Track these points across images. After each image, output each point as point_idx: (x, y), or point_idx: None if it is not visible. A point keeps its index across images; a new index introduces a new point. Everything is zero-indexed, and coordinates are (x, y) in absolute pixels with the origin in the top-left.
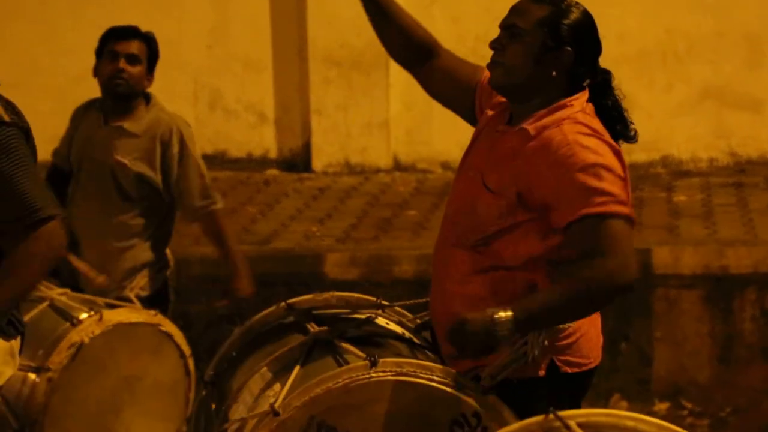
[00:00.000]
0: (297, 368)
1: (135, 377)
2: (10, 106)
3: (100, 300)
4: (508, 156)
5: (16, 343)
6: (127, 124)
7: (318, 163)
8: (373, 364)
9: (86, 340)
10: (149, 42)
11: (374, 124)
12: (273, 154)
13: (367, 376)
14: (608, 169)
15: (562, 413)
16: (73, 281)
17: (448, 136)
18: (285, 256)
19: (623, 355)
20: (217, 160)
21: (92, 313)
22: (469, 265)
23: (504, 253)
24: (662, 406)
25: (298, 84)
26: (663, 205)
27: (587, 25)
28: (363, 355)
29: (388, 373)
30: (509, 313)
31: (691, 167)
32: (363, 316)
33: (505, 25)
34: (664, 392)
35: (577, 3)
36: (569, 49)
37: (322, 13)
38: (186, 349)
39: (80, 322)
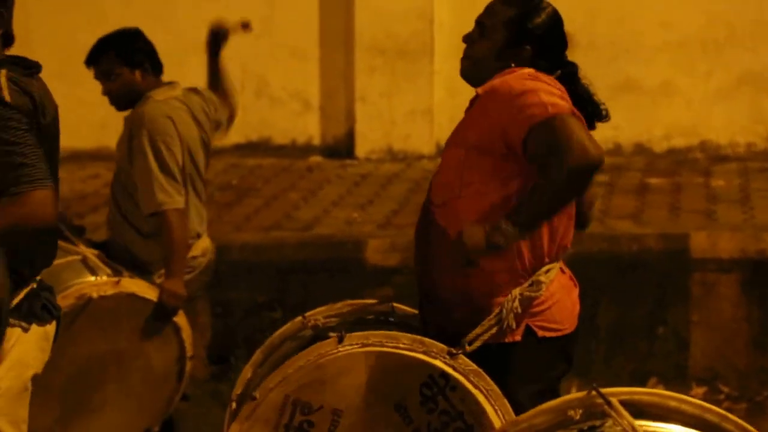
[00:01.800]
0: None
1: (129, 355)
2: (22, 91)
3: (130, 273)
4: (466, 118)
5: (51, 328)
6: (126, 116)
7: (361, 149)
8: (341, 339)
9: (95, 295)
10: (111, 48)
11: (418, 111)
12: (317, 141)
13: (335, 351)
14: (541, 89)
15: (605, 390)
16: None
17: None
18: (326, 242)
19: (660, 339)
20: (261, 147)
21: (114, 275)
22: (438, 225)
23: (467, 208)
24: (699, 391)
25: (343, 72)
26: (701, 190)
27: (551, 25)
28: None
29: (355, 346)
30: (508, 221)
31: (729, 152)
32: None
33: (477, 22)
34: (701, 376)
35: (548, 4)
36: (528, 47)
37: (368, 3)
38: (189, 348)
39: (99, 278)
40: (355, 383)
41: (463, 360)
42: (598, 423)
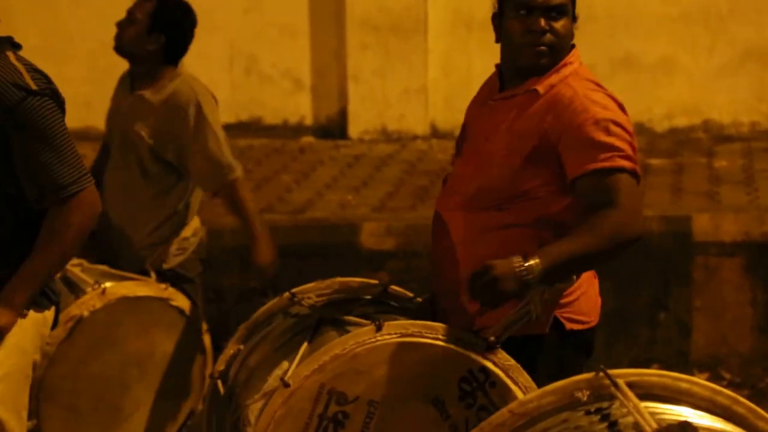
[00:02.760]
0: (305, 345)
1: (144, 353)
2: (38, 73)
3: (117, 272)
4: (518, 117)
5: (50, 314)
6: (148, 94)
7: (354, 130)
8: (379, 328)
9: (86, 313)
10: (157, 1)
11: (412, 90)
12: (309, 121)
13: (373, 340)
14: (617, 124)
15: (612, 371)
16: (110, 252)
17: None
18: (320, 225)
19: (662, 325)
20: (252, 127)
21: (96, 286)
22: (478, 227)
23: (517, 213)
24: (702, 377)
25: (335, 49)
26: (704, 171)
27: None
28: (367, 323)
29: (394, 336)
30: (537, 260)
31: (733, 132)
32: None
33: (553, 5)
34: (703, 363)
35: None
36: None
37: None
38: (200, 324)
39: (83, 294)
40: (393, 375)
41: (502, 355)
42: (605, 405)
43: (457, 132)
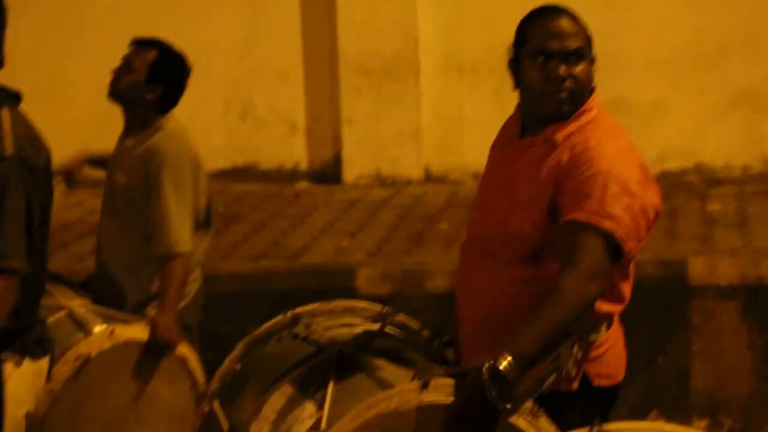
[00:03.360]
0: (331, 385)
1: (144, 399)
2: (29, 141)
3: (120, 315)
4: (536, 167)
5: (44, 364)
6: (131, 142)
7: (349, 174)
8: (425, 385)
9: (93, 353)
10: (158, 52)
11: (405, 133)
12: (304, 165)
13: (418, 399)
14: (617, 182)
15: (608, 426)
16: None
17: (479, 146)
18: (316, 270)
19: (660, 370)
20: (248, 173)
21: (105, 326)
22: (500, 278)
23: (541, 266)
24: (701, 423)
25: (329, 93)
26: (697, 214)
27: None
28: (400, 372)
29: (441, 395)
30: (508, 358)
31: (725, 175)
32: (374, 326)
33: (572, 50)
34: (702, 408)
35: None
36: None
37: (352, 22)
38: (200, 377)
39: (92, 333)
40: None
41: (544, 421)
42: None
43: (451, 176)
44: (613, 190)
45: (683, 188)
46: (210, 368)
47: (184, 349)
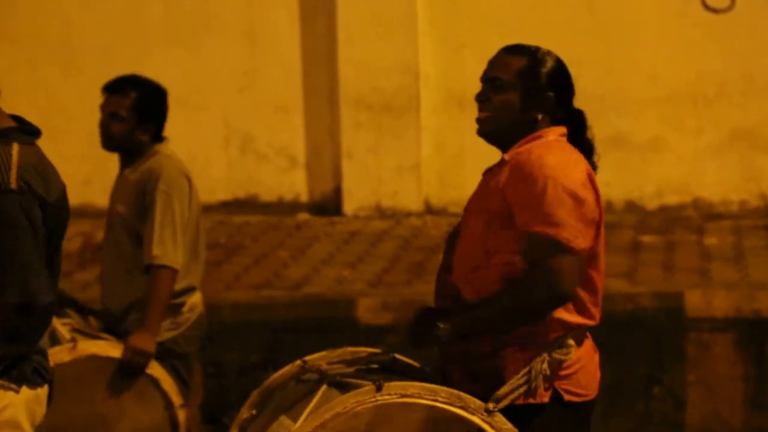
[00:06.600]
0: (311, 404)
1: (112, 416)
2: (42, 178)
3: (99, 334)
4: (492, 185)
5: (42, 392)
6: (128, 172)
7: (349, 206)
8: (379, 388)
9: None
10: (136, 92)
11: (405, 167)
12: (304, 197)
13: (373, 399)
14: (567, 191)
15: None
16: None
17: (479, 179)
18: (317, 301)
19: (656, 399)
20: (248, 205)
21: (71, 341)
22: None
23: (494, 278)
24: None
25: (329, 127)
26: (694, 248)
27: (562, 71)
28: (368, 383)
29: (394, 396)
30: (448, 326)
31: (722, 210)
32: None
33: (488, 78)
34: None
35: (549, 51)
36: (551, 94)
37: (352, 56)
38: (176, 398)
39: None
40: None
41: (500, 418)
42: None
43: (450, 209)
44: (566, 202)
45: (681, 223)
46: (213, 395)
47: (157, 370)
